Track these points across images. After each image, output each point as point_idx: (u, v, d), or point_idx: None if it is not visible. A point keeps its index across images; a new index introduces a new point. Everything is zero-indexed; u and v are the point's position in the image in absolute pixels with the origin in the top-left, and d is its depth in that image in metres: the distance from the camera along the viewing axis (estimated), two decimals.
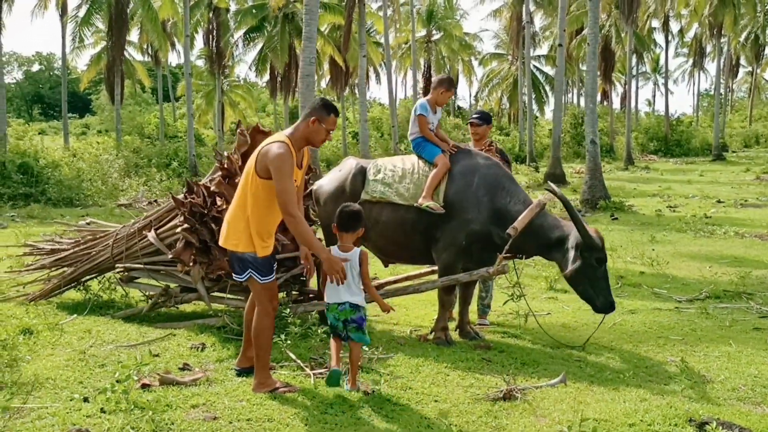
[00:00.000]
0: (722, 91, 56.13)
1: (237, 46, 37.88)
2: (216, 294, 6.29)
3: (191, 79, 30.48)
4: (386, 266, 6.55)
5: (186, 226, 5.76)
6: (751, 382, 4.78)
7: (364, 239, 5.43)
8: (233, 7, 38.86)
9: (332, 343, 4.57)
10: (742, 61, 64.10)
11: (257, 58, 37.74)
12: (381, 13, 36.99)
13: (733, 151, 48.25)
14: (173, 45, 43.51)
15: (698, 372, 4.95)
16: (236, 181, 5.87)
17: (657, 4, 41.46)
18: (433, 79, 6.32)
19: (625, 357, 5.46)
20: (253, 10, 35.65)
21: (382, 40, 38.19)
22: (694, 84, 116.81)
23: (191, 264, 5.84)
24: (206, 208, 5.84)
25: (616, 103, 56.53)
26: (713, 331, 6.18)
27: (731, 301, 7.41)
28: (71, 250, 6.97)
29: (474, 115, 6.77)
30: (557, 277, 7.49)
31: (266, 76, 40.47)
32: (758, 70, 66.33)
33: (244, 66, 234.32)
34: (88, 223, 7.59)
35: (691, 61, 72.72)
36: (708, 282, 8.31)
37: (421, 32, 48.53)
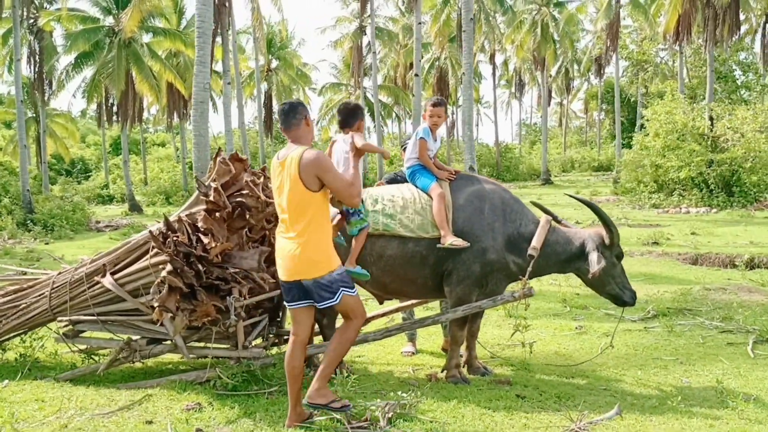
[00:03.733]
0: (538, 120, 60.86)
1: (66, 72, 34.95)
2: (193, 345, 5.51)
3: (22, 107, 27.51)
4: (381, 303, 6.08)
5: (170, 268, 4.97)
6: None
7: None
8: (59, 31, 35.93)
9: None
10: (554, 93, 69.77)
11: (89, 84, 35.07)
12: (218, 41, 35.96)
13: (555, 176, 52.09)
14: None
15: (735, 391, 4.99)
16: (220, 215, 5.25)
17: (489, 40, 44.21)
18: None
19: (646, 382, 5.43)
20: (86, 34, 33.13)
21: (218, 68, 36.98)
22: (512, 113, 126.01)
23: (177, 312, 5.04)
24: (192, 246, 5.10)
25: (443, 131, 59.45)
26: (695, 349, 6.36)
27: (675, 317, 7.71)
28: None
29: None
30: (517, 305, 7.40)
31: (94, 104, 37.88)
32: (567, 101, 72.63)
33: (65, 94, 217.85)
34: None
35: (508, 92, 78.42)
36: (643, 300, 8.63)
37: (261, 61, 47.91)
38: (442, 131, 6.12)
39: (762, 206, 22.63)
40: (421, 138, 5.60)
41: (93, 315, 5.56)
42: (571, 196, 6.05)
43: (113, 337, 5.68)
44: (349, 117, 4.86)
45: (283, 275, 4.26)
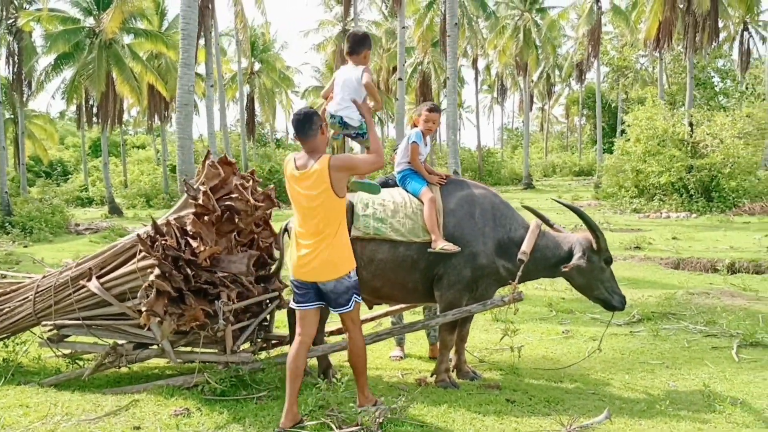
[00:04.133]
0: (519, 124, 61.21)
1: (45, 73, 34.51)
2: (180, 349, 5.46)
3: (1, 108, 27.12)
4: (370, 308, 6.06)
5: (158, 272, 4.92)
6: None
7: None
8: (39, 31, 35.48)
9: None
10: (535, 98, 70.20)
11: (69, 85, 34.68)
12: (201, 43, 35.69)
13: (537, 180, 52.38)
14: None
15: (722, 395, 5.04)
16: (209, 219, 5.21)
17: (471, 45, 44.43)
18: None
19: (634, 386, 5.46)
20: (66, 35, 32.76)
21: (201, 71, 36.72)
22: (494, 118, 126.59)
23: (165, 316, 4.99)
24: (181, 250, 5.05)
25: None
26: (680, 353, 6.41)
27: (660, 322, 7.77)
28: None
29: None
30: (505, 309, 7.41)
31: (73, 106, 37.51)
32: (549, 106, 73.18)
33: (44, 95, 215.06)
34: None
35: (490, 97, 78.79)
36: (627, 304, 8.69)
37: (244, 63, 47.74)
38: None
39: (740, 211, 22.89)
40: (413, 142, 5.58)
41: (78, 319, 5.50)
42: (557, 201, 6.08)
43: (98, 341, 5.61)
44: (357, 45, 4.97)
45: (300, 276, 4.38)
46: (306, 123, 4.31)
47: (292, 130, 4.43)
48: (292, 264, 4.48)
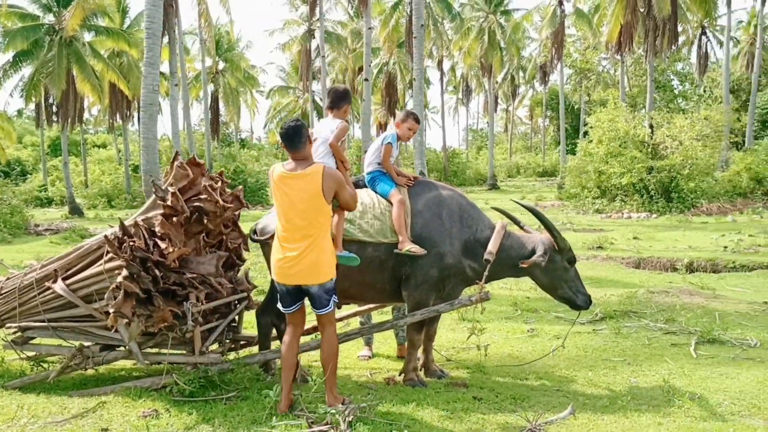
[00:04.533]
0: (484, 125, 61.73)
1: (3, 70, 33.72)
2: (148, 351, 5.44)
3: None
4: (339, 308, 6.08)
5: (126, 273, 4.90)
6: (728, 397, 5.11)
7: None
8: None
9: None
10: (500, 99, 70.88)
11: (28, 83, 33.96)
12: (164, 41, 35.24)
13: (501, 181, 52.89)
14: None
15: (681, 390, 5.19)
16: (177, 220, 5.20)
17: (437, 46, 44.70)
18: (399, 112, 6.03)
19: (597, 383, 5.60)
20: (25, 32, 32.07)
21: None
22: (459, 119, 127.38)
23: (132, 318, 4.96)
24: (149, 251, 5.03)
25: None
26: (641, 350, 6.57)
27: (621, 320, 7.95)
28: None
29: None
30: (472, 309, 7.52)
31: (32, 104, 36.70)
32: (513, 107, 73.99)
33: (2, 93, 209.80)
34: None
35: (455, 98, 79.29)
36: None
37: (208, 62, 47.32)
38: None
39: (698, 212, 23.46)
40: (388, 143, 5.63)
41: (43, 321, 5.44)
42: (516, 201, 6.14)
43: (63, 343, 5.55)
44: (339, 100, 5.29)
45: (284, 279, 4.58)
46: (295, 135, 4.51)
47: (280, 141, 4.62)
48: (275, 266, 4.61)
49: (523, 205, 5.86)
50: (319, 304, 4.62)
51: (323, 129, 5.23)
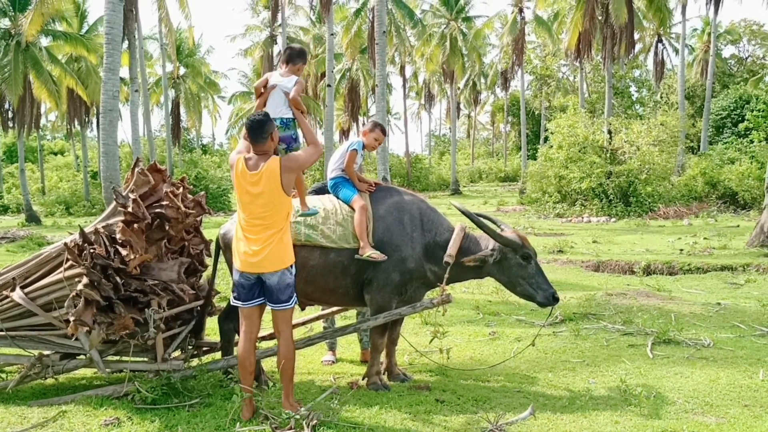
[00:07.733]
0: (447, 131, 62.39)
1: None
2: (109, 359, 5.39)
3: None
4: (303, 309, 6.12)
5: (86, 281, 4.86)
6: (682, 396, 5.26)
7: None
8: None
9: None
10: (462, 105, 71.44)
11: None
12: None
13: (464, 186, 53.29)
14: None
15: (637, 389, 5.33)
16: (138, 226, 5.17)
17: (399, 52, 44.92)
18: (367, 122, 6.09)
19: (557, 384, 5.71)
20: None
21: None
22: (422, 125, 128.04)
23: (93, 325, 4.92)
24: (110, 258, 4.99)
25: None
26: (600, 352, 6.72)
27: (581, 322, 8.10)
28: None
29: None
30: (435, 312, 7.59)
31: None
32: (475, 113, 74.62)
33: None
34: None
35: (417, 104, 79.73)
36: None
37: (169, 67, 46.84)
38: None
39: (656, 215, 23.98)
40: (353, 150, 5.70)
41: (2, 330, 5.36)
42: (454, 205, 5.90)
43: (22, 352, 5.47)
44: (296, 56, 5.40)
45: (247, 268, 4.61)
46: (260, 129, 4.59)
47: (245, 133, 4.67)
48: (239, 257, 4.65)
49: (457, 207, 5.76)
50: (277, 298, 4.63)
51: (281, 80, 5.35)
